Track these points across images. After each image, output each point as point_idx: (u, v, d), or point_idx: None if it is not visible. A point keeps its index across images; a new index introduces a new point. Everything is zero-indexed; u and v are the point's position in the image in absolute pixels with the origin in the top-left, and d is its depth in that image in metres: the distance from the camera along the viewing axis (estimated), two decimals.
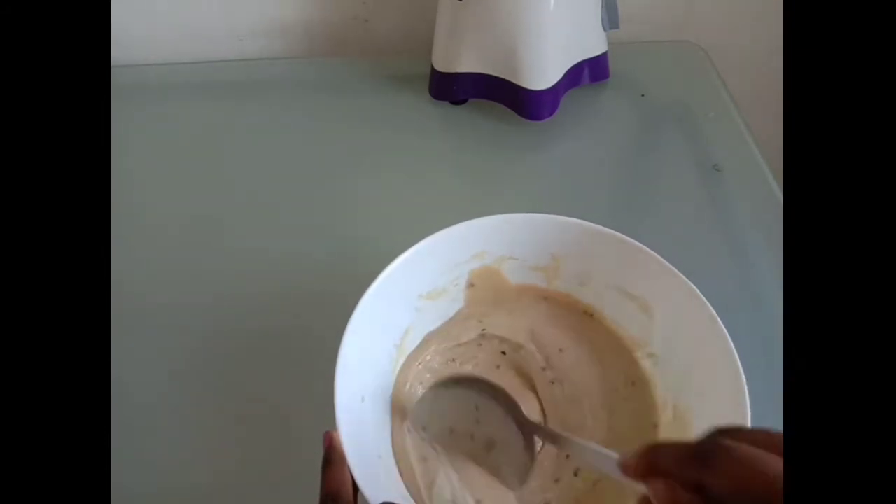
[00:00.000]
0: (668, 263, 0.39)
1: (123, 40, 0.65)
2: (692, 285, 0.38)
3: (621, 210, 0.56)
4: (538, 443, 0.36)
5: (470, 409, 0.37)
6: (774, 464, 0.20)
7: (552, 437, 0.34)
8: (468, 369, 0.42)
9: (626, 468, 0.25)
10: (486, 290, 0.44)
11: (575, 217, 0.41)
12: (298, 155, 0.60)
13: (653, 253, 0.39)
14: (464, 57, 0.59)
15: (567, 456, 0.39)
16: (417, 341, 0.42)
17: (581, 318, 0.44)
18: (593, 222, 0.41)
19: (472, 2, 0.56)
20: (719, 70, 0.67)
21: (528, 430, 0.35)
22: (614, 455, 0.26)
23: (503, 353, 0.43)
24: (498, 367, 0.43)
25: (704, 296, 0.37)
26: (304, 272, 0.51)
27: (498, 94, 0.61)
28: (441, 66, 0.61)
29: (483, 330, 0.43)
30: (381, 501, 0.31)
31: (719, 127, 0.62)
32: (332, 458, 0.32)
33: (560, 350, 0.42)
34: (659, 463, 0.23)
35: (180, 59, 0.69)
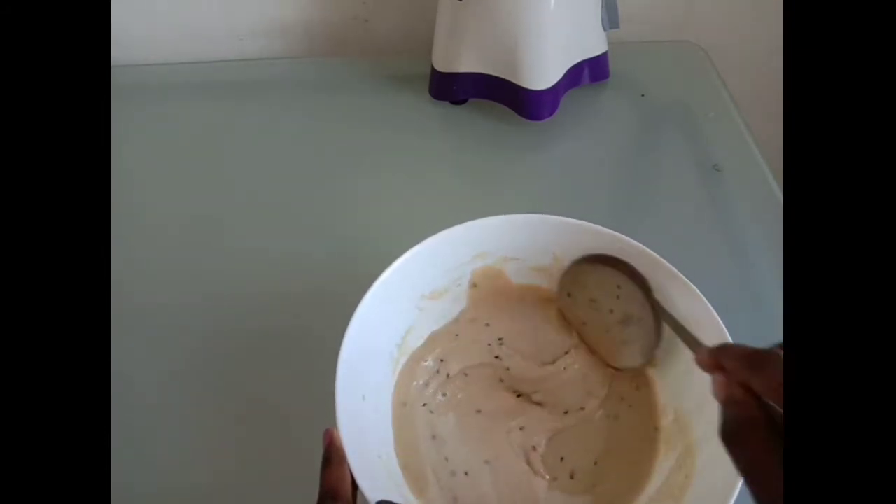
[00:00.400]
0: (668, 264, 0.39)
1: (123, 40, 0.65)
2: (692, 285, 0.38)
3: (621, 210, 0.56)
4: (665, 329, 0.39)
5: (612, 286, 0.40)
6: None
7: (674, 326, 0.37)
8: (467, 368, 0.42)
9: (700, 362, 0.28)
10: (488, 290, 0.44)
11: (575, 217, 0.41)
12: (298, 155, 0.60)
13: (653, 253, 0.39)
14: (464, 57, 0.59)
15: (562, 458, 0.39)
16: (420, 341, 0.42)
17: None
18: (593, 222, 0.41)
19: (472, 2, 0.56)
20: (719, 70, 0.67)
21: (658, 313, 0.39)
22: (704, 348, 0.29)
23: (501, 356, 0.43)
24: (503, 374, 0.43)
25: (704, 296, 0.37)
26: (304, 272, 0.51)
27: (498, 94, 0.61)
28: (441, 66, 0.61)
29: (489, 342, 0.43)
30: (379, 500, 0.31)
31: (719, 127, 0.62)
32: (331, 456, 0.32)
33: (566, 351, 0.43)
34: (722, 361, 0.27)
35: (180, 59, 0.69)
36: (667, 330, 0.39)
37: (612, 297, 0.41)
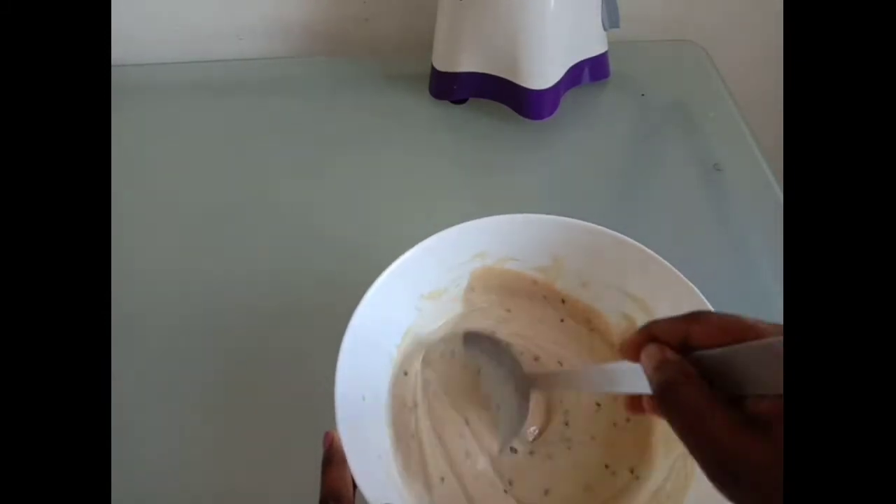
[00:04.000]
0: (668, 264, 0.39)
1: (123, 40, 0.65)
2: (692, 286, 0.38)
3: (621, 210, 0.56)
4: (532, 400, 0.37)
5: (473, 372, 0.40)
6: (750, 319, 0.24)
7: (550, 381, 0.35)
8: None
9: (625, 346, 0.28)
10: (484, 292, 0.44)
11: (575, 216, 0.41)
12: (298, 154, 0.60)
13: (653, 253, 0.39)
14: (464, 56, 0.59)
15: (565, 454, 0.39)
16: (418, 341, 0.42)
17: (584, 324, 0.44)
18: (593, 222, 0.41)
19: (472, 1, 0.56)
20: (719, 70, 0.67)
21: (524, 391, 0.37)
22: (612, 363, 0.29)
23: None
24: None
25: (704, 296, 0.37)
26: (304, 272, 0.50)
27: (498, 93, 0.61)
28: (441, 66, 0.61)
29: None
30: (380, 502, 0.31)
31: (719, 126, 0.62)
32: (332, 457, 0.32)
33: (560, 363, 0.42)
34: (653, 329, 0.27)
35: (180, 59, 0.69)
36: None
37: (472, 387, 0.40)
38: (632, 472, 0.38)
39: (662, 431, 0.38)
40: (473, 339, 0.40)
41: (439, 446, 0.38)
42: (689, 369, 0.24)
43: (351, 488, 0.31)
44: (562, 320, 0.44)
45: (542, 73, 0.58)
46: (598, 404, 0.40)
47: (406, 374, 0.41)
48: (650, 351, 0.26)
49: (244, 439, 0.42)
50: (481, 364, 0.40)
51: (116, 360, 0.35)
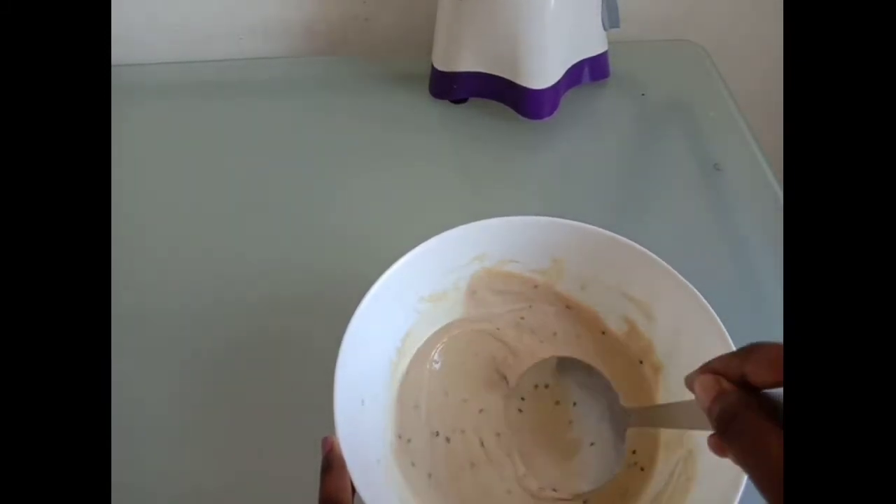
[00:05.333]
0: (668, 265, 0.39)
1: (123, 40, 0.65)
2: (693, 288, 0.37)
3: (621, 210, 0.56)
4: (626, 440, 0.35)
5: (568, 405, 0.37)
6: None
7: (648, 417, 0.34)
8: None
9: (688, 381, 0.27)
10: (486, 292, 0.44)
11: (574, 216, 0.41)
12: (298, 154, 0.60)
13: (653, 255, 0.39)
14: (464, 56, 0.59)
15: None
16: (419, 344, 0.42)
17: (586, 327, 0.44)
18: (593, 222, 0.41)
19: (472, 1, 0.55)
20: (719, 69, 0.67)
21: (621, 428, 0.34)
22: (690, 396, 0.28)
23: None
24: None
25: (704, 296, 0.37)
26: (303, 273, 0.50)
27: (498, 92, 0.61)
28: (441, 65, 0.61)
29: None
30: None
31: (719, 126, 0.62)
32: (331, 463, 0.32)
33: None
34: (710, 364, 0.26)
35: (180, 59, 0.69)
36: (663, 327, 0.39)
37: (565, 423, 0.37)
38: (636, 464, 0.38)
39: (665, 431, 0.38)
40: (567, 368, 0.38)
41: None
42: (750, 399, 0.24)
43: (350, 494, 0.31)
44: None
45: (541, 73, 0.58)
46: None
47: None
48: (705, 382, 0.25)
49: (243, 444, 0.42)
50: (576, 398, 0.37)
51: (115, 359, 0.35)
